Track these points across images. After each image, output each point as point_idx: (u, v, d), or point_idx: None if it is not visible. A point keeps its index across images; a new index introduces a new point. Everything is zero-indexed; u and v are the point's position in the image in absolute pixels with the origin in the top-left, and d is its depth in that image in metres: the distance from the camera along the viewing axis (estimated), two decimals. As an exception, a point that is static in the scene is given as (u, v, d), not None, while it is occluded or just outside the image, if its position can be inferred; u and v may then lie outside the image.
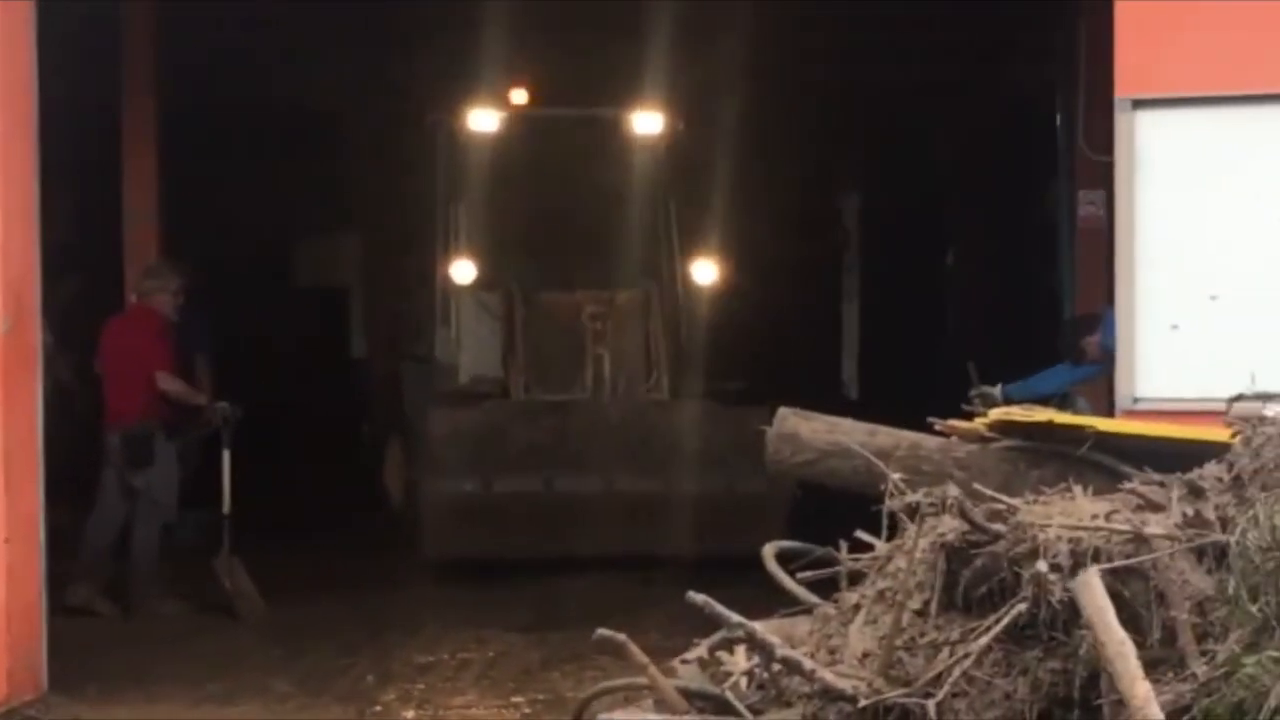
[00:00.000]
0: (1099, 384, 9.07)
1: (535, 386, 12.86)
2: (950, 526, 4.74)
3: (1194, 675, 3.88)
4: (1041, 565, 4.13)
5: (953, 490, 4.50)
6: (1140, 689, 3.22)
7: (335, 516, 14.15)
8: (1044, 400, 8.40)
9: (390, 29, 14.40)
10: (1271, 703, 3.37)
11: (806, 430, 5.59)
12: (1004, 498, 4.62)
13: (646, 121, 14.04)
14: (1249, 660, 3.61)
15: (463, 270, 13.82)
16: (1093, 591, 3.34)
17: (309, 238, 16.01)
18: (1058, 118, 11.57)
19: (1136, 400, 7.44)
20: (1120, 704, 4.11)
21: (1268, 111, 7.35)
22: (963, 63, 14.38)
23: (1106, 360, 9.32)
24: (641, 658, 4.85)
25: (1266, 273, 7.38)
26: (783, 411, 5.64)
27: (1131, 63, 7.45)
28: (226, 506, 11.05)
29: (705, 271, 14.10)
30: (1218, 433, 4.93)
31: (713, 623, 4.86)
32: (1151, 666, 4.23)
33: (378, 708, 8.75)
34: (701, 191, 14.12)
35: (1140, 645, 4.24)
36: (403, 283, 15.50)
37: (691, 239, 14.09)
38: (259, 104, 14.77)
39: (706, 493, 11.82)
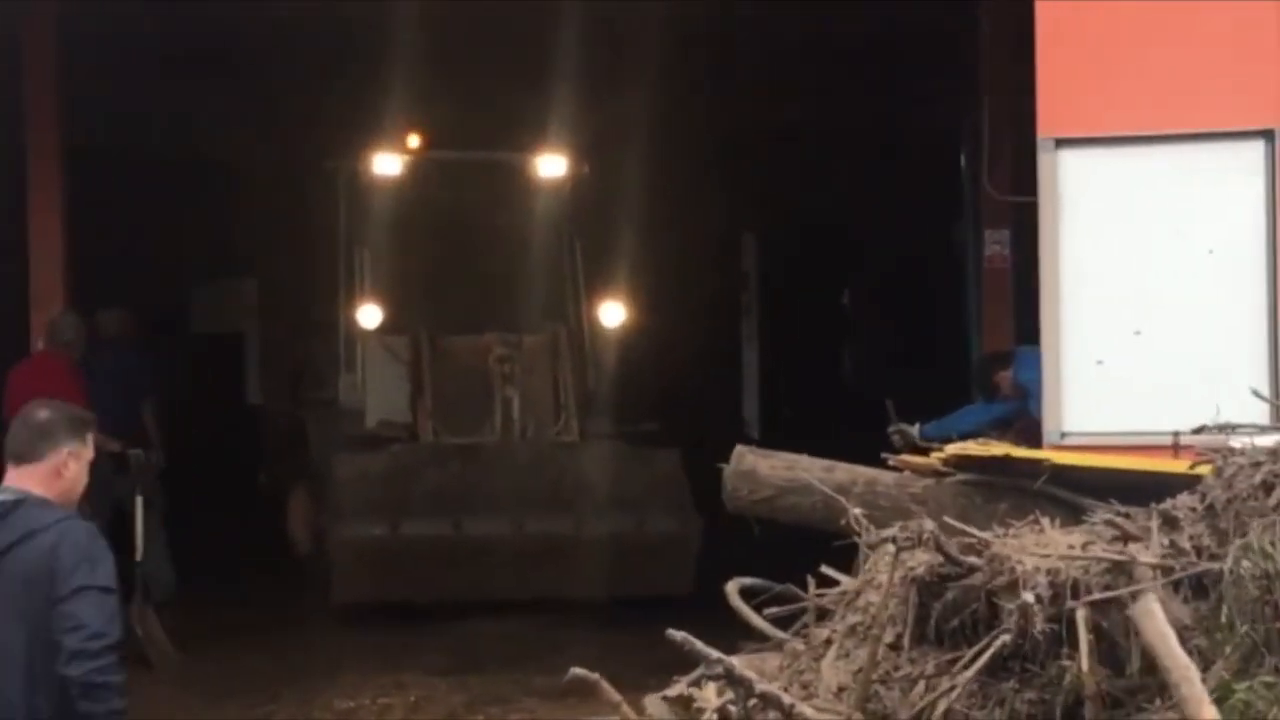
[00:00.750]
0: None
1: (443, 430, 12.84)
2: (920, 560, 4.80)
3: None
4: (1028, 596, 4.19)
5: (928, 524, 4.55)
6: (1208, 713, 3.28)
7: (239, 565, 13.99)
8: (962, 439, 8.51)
9: (290, 73, 14.33)
10: (1269, 726, 3.45)
11: (764, 467, 5.64)
12: (975, 531, 4.68)
13: (550, 165, 14.11)
14: (1240, 686, 3.69)
15: (368, 315, 13.78)
16: (1154, 618, 3.41)
17: (206, 283, 15.86)
18: (961, 159, 11.75)
19: (1064, 435, 7.55)
20: (1107, 730, 4.19)
21: (1187, 150, 7.51)
22: (864, 104, 14.58)
23: (1021, 397, 9.48)
24: (615, 696, 4.86)
25: (1188, 308, 7.54)
26: (740, 449, 5.69)
27: (1054, 103, 7.59)
28: (140, 554, 10.92)
29: (611, 313, 14.16)
30: (1174, 464, 5.03)
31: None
32: (1131, 695, 4.32)
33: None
34: (606, 233, 14.17)
35: (1119, 674, 4.33)
36: (303, 328, 15.41)
37: (597, 281, 14.16)
38: (158, 150, 14.65)
39: (617, 533, 11.87)
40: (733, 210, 15.96)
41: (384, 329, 13.76)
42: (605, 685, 4.85)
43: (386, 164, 13.98)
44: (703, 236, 15.89)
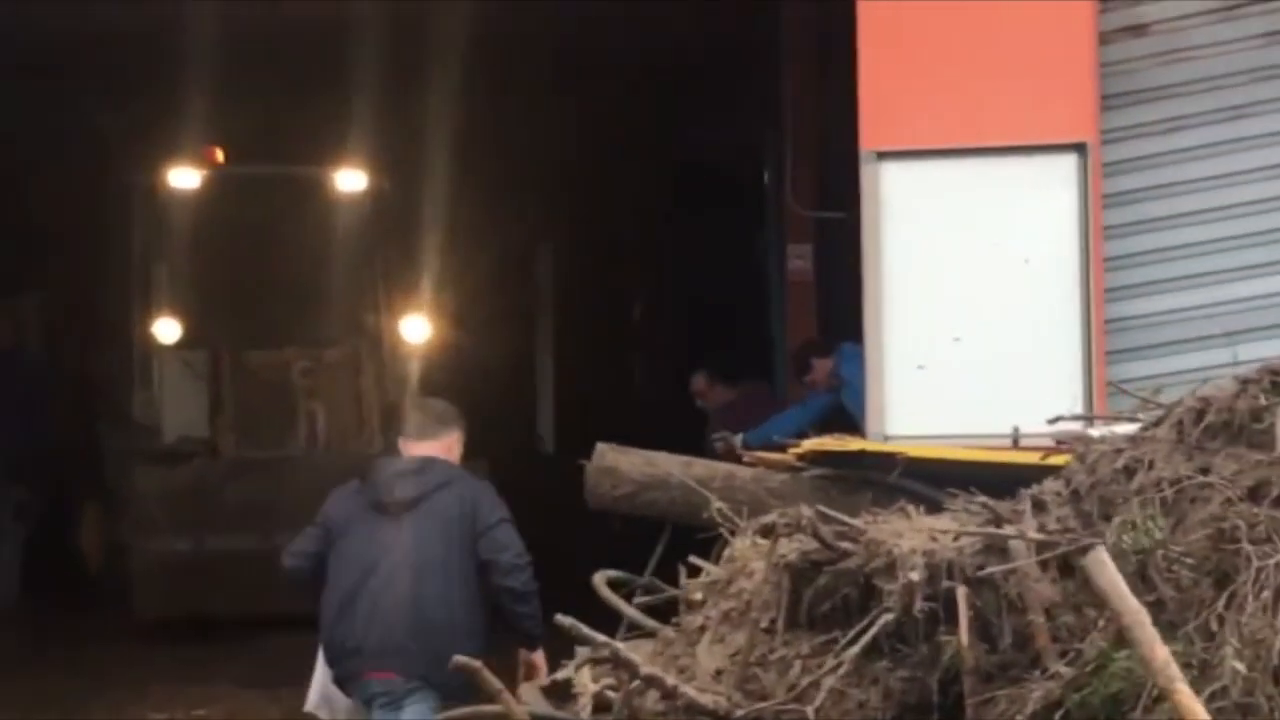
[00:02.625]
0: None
1: (244, 444, 12.74)
2: (790, 547, 4.98)
3: (1058, 674, 4.18)
4: (914, 575, 4.39)
5: (806, 511, 4.73)
6: (1160, 652, 3.49)
7: (28, 582, 13.67)
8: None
9: (85, 83, 14.09)
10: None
11: (624, 463, 5.79)
12: (847, 518, 4.87)
13: (349, 179, 14.08)
14: (1119, 655, 3.92)
15: (164, 329, 13.62)
16: (1106, 568, 3.61)
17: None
18: (764, 174, 12.01)
19: (887, 438, 7.80)
20: (984, 705, 4.41)
21: (1004, 163, 7.84)
22: (663, 117, 14.79)
23: (835, 389, 9.76)
24: (496, 683, 4.95)
25: (1005, 314, 7.85)
26: (601, 447, 5.83)
27: (875, 117, 7.86)
28: None
29: (412, 327, 14.17)
30: (1025, 456, 5.28)
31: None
32: (1003, 669, 4.54)
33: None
34: (407, 247, 14.19)
35: (992, 650, 4.56)
36: (92, 344, 15.17)
37: (398, 295, 14.16)
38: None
39: None
40: (531, 222, 16.10)
41: (181, 344, 13.61)
42: (487, 674, 4.94)
43: (184, 178, 13.84)
44: (498, 249, 15.99)
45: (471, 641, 6.26)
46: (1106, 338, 7.77)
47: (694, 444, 8.87)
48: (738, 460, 6.70)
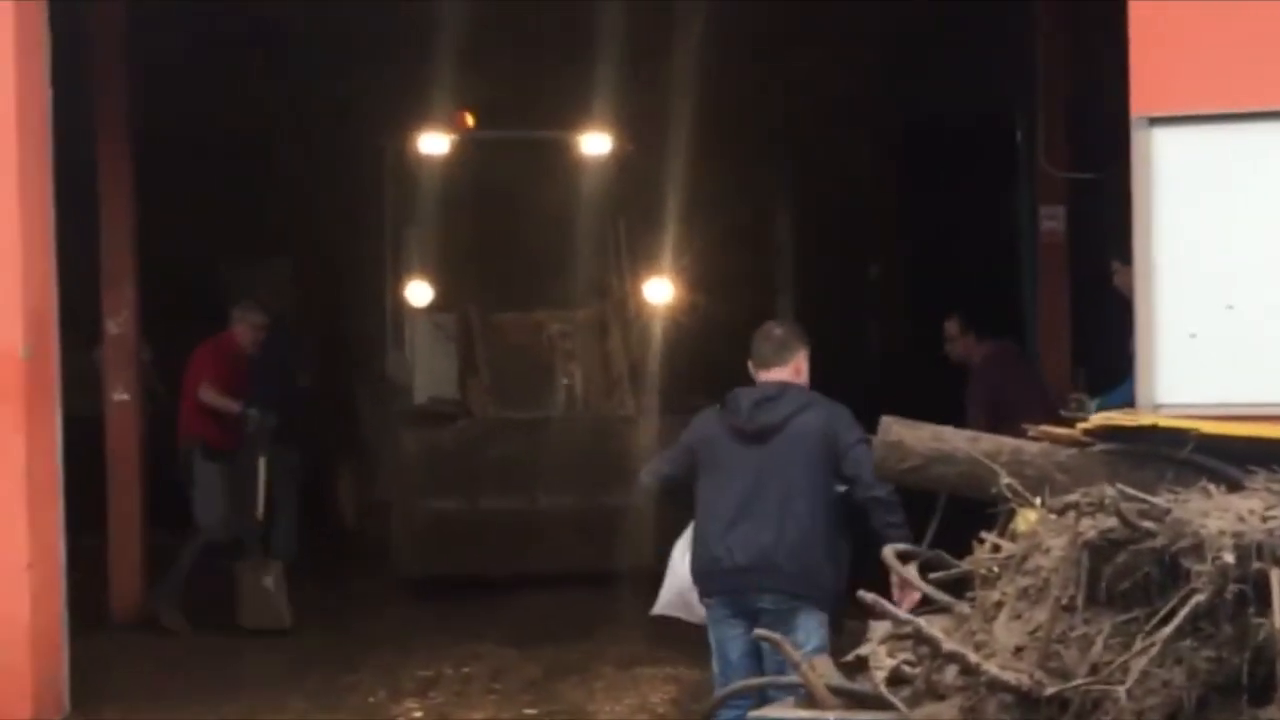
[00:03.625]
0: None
1: (501, 405, 12.92)
2: (1089, 525, 4.96)
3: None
4: (1228, 557, 4.36)
5: (1109, 490, 4.71)
6: None
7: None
8: None
9: (331, 51, 14.40)
10: None
11: (911, 437, 5.79)
12: (1148, 497, 4.84)
13: (594, 142, 14.22)
14: None
15: (416, 293, 13.90)
16: None
17: (241, 263, 15.95)
18: (1017, 134, 11.90)
19: (1158, 407, 7.69)
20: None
21: (1280, 127, 7.65)
22: (913, 80, 14.71)
23: None
24: (794, 655, 5.02)
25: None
26: (886, 420, 5.84)
27: (1147, 81, 7.70)
28: (259, 513, 11.43)
29: (655, 289, 14.30)
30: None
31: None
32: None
33: (396, 722, 8.87)
34: (650, 210, 14.30)
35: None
36: (348, 307, 15.54)
37: (641, 257, 14.29)
38: (198, 128, 14.70)
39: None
40: (770, 185, 16.09)
41: (432, 307, 13.89)
42: (786, 646, 5.02)
43: (433, 143, 14.09)
44: (740, 210, 16.02)
45: (835, 563, 6.97)
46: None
47: (932, 405, 8.81)
48: (997, 428, 6.68)
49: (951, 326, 11.12)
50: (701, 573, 7.13)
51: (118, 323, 11.78)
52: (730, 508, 7.03)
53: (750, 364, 7.41)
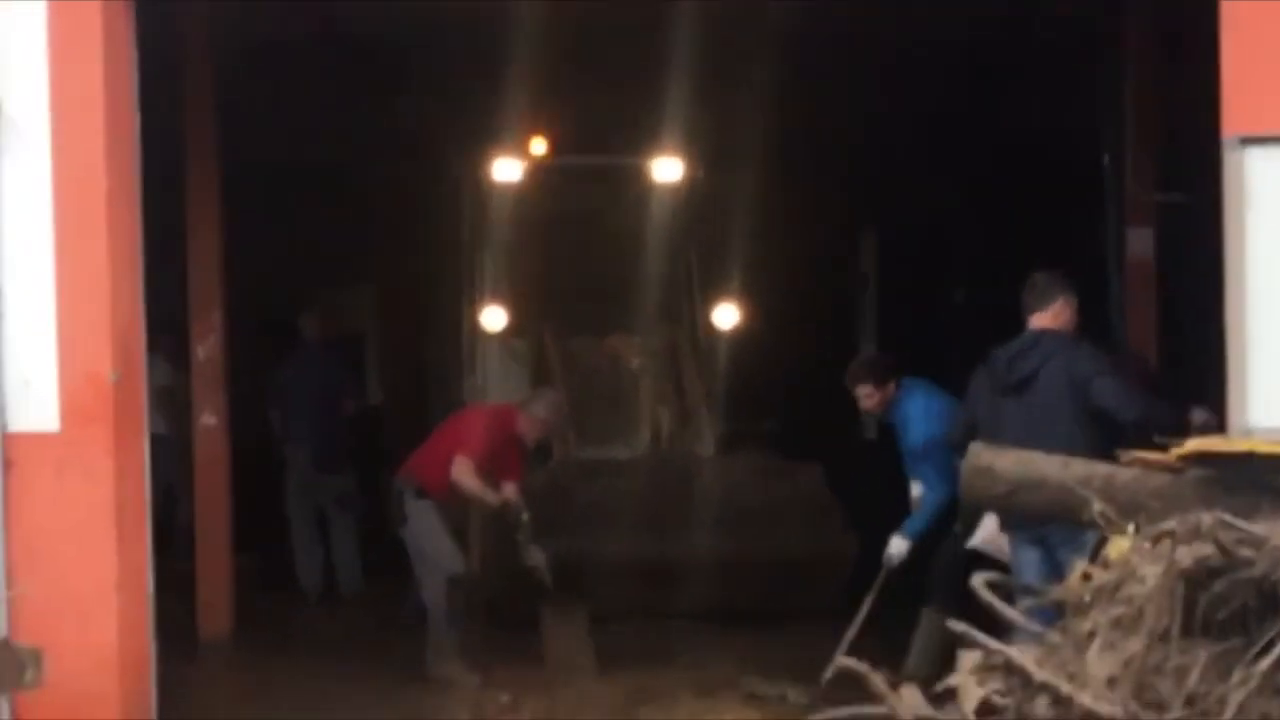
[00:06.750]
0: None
1: (583, 438, 12.81)
2: (1185, 552, 4.89)
3: None
4: (1333, 587, 4.28)
5: (1205, 518, 4.64)
6: None
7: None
8: None
9: (403, 80, 14.47)
10: None
11: (1000, 463, 5.75)
12: (1245, 524, 4.76)
13: (666, 168, 14.22)
14: None
15: (490, 317, 13.93)
16: None
17: (325, 287, 16.04)
18: (1104, 157, 11.79)
19: (1249, 431, 7.59)
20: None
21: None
22: (996, 99, 14.60)
23: None
24: (882, 686, 4.96)
25: (1374, 307, 7.56)
26: (975, 446, 5.80)
27: (1240, 100, 7.62)
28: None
29: (726, 315, 14.27)
30: None
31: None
32: None
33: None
34: (721, 235, 14.28)
35: None
36: (424, 331, 15.58)
37: (712, 283, 14.25)
38: (276, 158, 14.80)
39: (773, 548, 11.72)
40: (852, 209, 16.01)
41: (506, 332, 13.90)
42: (875, 676, 4.96)
43: (507, 170, 14.13)
44: (818, 236, 15.94)
45: None
46: None
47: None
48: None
49: None
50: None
51: (205, 348, 11.84)
52: None
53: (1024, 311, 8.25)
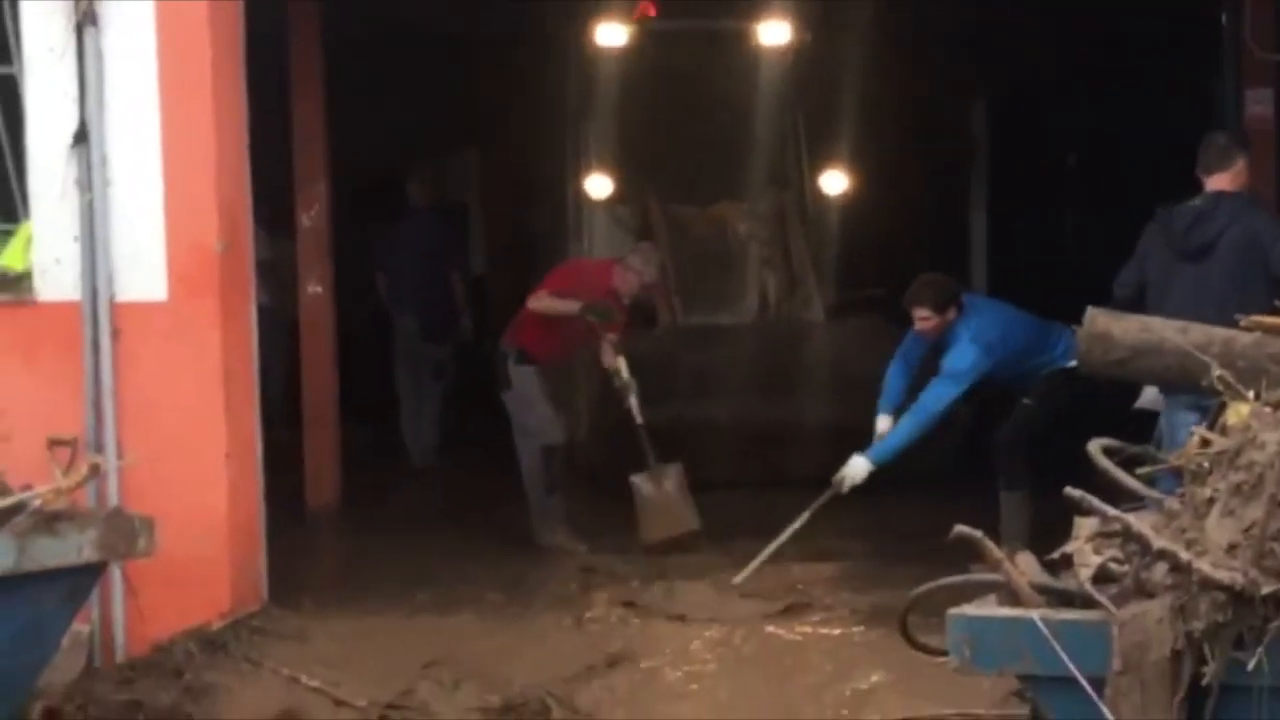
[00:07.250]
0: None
1: (687, 305, 12.75)
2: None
3: None
4: None
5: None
6: None
7: (463, 431, 13.98)
8: None
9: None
10: None
11: (1118, 329, 5.63)
12: (1372, 389, 4.63)
13: (773, 31, 13.99)
14: None
15: (596, 184, 13.83)
16: None
17: (428, 155, 15.97)
18: (1222, 16, 11.46)
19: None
20: None
21: None
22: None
23: None
24: (996, 553, 4.90)
25: None
26: (1092, 311, 5.68)
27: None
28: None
29: (834, 181, 14.10)
30: None
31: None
32: None
33: (591, 612, 8.83)
34: (829, 100, 14.06)
35: None
36: (528, 199, 15.51)
37: (819, 148, 14.06)
38: (380, 22, 14.69)
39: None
40: (963, 74, 15.72)
41: (612, 199, 13.81)
42: (989, 543, 4.89)
43: (612, 34, 13.96)
44: (928, 102, 15.67)
45: None
46: None
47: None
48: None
49: None
50: None
51: (310, 217, 11.83)
52: None
53: (1197, 172, 7.97)
